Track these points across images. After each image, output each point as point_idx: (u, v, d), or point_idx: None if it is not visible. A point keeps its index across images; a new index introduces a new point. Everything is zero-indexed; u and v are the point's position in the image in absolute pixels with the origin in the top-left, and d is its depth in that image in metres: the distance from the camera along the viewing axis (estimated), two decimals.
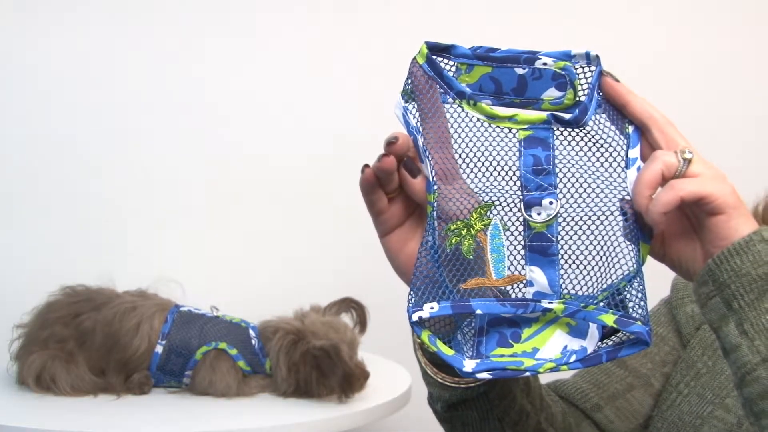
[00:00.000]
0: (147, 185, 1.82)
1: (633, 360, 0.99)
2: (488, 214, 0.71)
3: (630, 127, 0.71)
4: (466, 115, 0.71)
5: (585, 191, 0.70)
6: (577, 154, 0.71)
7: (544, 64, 0.70)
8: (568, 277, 0.71)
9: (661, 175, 0.67)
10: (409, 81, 0.71)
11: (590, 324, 0.70)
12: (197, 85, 1.83)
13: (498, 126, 0.71)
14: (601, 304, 0.69)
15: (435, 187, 0.70)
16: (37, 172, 1.76)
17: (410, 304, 0.69)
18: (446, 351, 0.69)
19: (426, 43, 0.71)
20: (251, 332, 1.45)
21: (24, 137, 1.76)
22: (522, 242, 0.71)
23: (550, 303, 0.70)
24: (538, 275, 0.71)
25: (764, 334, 0.65)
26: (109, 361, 1.42)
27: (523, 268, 0.71)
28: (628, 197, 0.69)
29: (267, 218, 1.87)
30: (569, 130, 0.71)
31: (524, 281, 0.71)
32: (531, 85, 0.71)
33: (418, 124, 0.71)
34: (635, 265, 0.68)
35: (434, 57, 0.71)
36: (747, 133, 2.06)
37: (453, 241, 0.70)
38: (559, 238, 0.71)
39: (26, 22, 1.75)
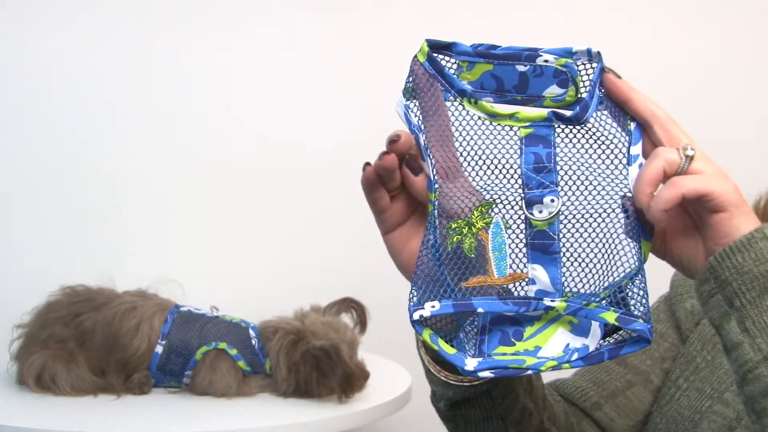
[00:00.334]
0: (147, 185, 1.82)
1: (632, 357, 0.99)
2: (490, 212, 0.71)
3: (632, 123, 0.71)
4: (467, 113, 0.71)
5: (586, 189, 0.70)
6: (578, 152, 0.71)
7: (546, 61, 0.70)
8: (570, 275, 0.70)
9: (662, 172, 0.67)
10: (411, 79, 0.71)
11: (592, 322, 0.70)
12: (197, 86, 1.83)
13: (499, 124, 0.71)
14: (603, 301, 0.69)
15: (436, 186, 0.70)
16: (37, 172, 1.76)
17: (411, 303, 0.68)
18: (448, 350, 0.68)
19: (427, 41, 0.71)
20: (251, 332, 1.45)
21: (24, 137, 1.76)
22: (524, 240, 0.71)
23: (552, 301, 0.70)
24: (540, 273, 0.71)
25: (766, 332, 0.65)
26: (109, 361, 1.42)
27: (525, 266, 0.71)
28: (629, 194, 0.69)
29: (267, 218, 1.87)
30: (570, 127, 0.71)
31: (526, 279, 0.71)
32: (532, 82, 0.71)
33: (420, 122, 0.71)
34: (637, 263, 0.68)
35: (435, 55, 0.71)
36: (748, 129, 2.06)
37: (454, 239, 0.70)
38: (561, 235, 0.70)
39: (27, 23, 1.74)
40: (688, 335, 0.98)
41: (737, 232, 0.67)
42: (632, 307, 0.68)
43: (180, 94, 1.82)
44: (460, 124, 0.71)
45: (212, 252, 1.85)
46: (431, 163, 0.70)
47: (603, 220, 0.70)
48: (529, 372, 0.68)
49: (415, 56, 0.71)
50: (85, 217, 1.78)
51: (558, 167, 0.70)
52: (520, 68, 0.70)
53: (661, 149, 0.68)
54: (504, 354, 0.69)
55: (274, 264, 1.87)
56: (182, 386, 1.44)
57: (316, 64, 1.88)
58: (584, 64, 0.71)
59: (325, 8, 1.88)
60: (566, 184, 0.70)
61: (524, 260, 0.71)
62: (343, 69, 1.89)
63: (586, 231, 0.70)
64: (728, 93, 2.06)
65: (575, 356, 0.68)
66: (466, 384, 0.78)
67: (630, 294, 0.68)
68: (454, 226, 0.70)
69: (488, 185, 0.71)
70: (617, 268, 0.69)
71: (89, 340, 1.42)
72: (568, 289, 0.70)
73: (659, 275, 0.85)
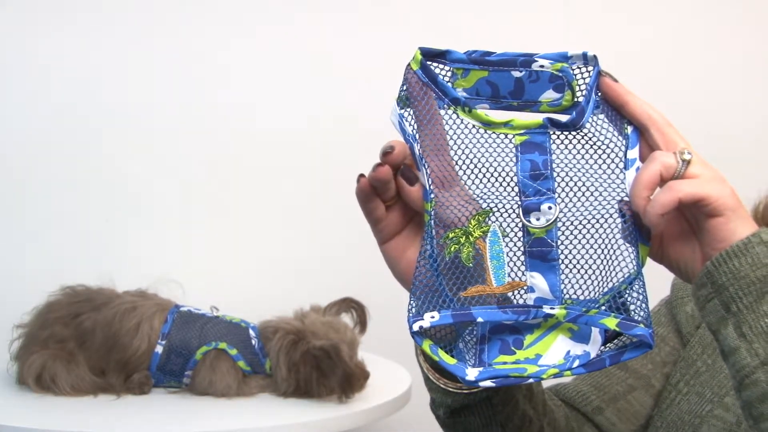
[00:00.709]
0: (147, 185, 1.82)
1: (633, 361, 0.98)
2: (487, 220, 0.70)
3: (629, 127, 0.71)
4: (461, 122, 0.70)
5: (583, 194, 0.70)
6: (574, 157, 0.70)
7: (541, 66, 0.70)
8: (569, 282, 0.70)
9: (659, 175, 0.66)
10: (404, 87, 0.70)
11: (592, 328, 0.69)
12: (198, 86, 1.83)
13: (494, 132, 0.70)
14: (603, 307, 0.68)
15: (432, 196, 0.70)
16: (37, 172, 1.76)
17: (410, 314, 0.68)
18: (448, 360, 0.68)
19: (420, 48, 0.70)
20: (251, 332, 1.45)
21: (24, 137, 1.76)
22: (522, 248, 0.70)
23: (551, 309, 0.69)
24: (539, 281, 0.70)
25: (763, 337, 0.65)
26: (109, 361, 1.42)
27: (523, 274, 0.70)
28: (626, 199, 0.69)
29: (267, 218, 1.87)
30: (566, 133, 0.70)
31: (525, 287, 0.70)
32: (528, 88, 0.71)
33: (415, 131, 0.70)
34: (635, 268, 0.68)
35: (429, 63, 0.70)
36: (748, 131, 2.05)
37: (452, 249, 0.69)
38: (559, 242, 0.70)
39: (27, 23, 1.74)
40: (689, 339, 0.98)
41: (734, 237, 0.66)
42: (632, 312, 0.67)
43: (180, 94, 1.82)
44: (455, 133, 0.70)
45: (212, 252, 1.85)
46: (427, 172, 0.70)
47: (601, 226, 0.70)
48: (531, 380, 0.67)
49: (409, 64, 0.70)
50: (85, 217, 1.78)
51: (555, 174, 0.70)
52: (516, 74, 0.70)
53: (658, 153, 0.68)
54: (505, 363, 0.68)
55: (274, 264, 1.87)
56: (182, 386, 1.44)
57: (316, 65, 1.88)
58: (580, 68, 0.70)
59: (326, 8, 1.88)
60: (563, 190, 0.70)
61: (522, 268, 0.70)
62: (344, 69, 1.89)
63: (584, 237, 0.70)
64: (728, 94, 2.06)
65: (576, 363, 0.68)
66: (465, 391, 0.78)
67: (630, 299, 0.68)
68: (451, 235, 0.70)
69: (484, 194, 0.71)
70: (616, 273, 0.69)
71: (89, 340, 1.42)
72: (567, 296, 0.70)
73: (660, 279, 0.85)
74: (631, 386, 0.97)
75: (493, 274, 0.70)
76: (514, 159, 0.70)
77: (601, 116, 0.71)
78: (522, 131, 0.70)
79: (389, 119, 0.71)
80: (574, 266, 0.70)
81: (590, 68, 0.70)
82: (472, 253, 0.69)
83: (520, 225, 0.70)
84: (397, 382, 1.53)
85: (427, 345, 0.68)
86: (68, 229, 1.77)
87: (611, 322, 0.67)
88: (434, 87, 0.70)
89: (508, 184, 0.70)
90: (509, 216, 0.71)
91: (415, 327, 0.67)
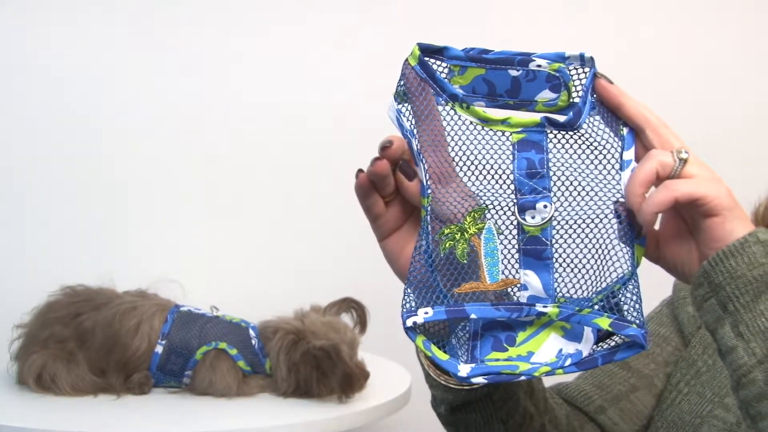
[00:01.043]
0: (147, 185, 1.82)
1: (636, 361, 0.98)
2: (482, 217, 0.70)
3: (624, 129, 0.71)
4: (459, 118, 0.70)
5: (579, 194, 0.70)
6: (570, 157, 0.70)
7: (539, 65, 0.70)
8: (563, 281, 0.70)
9: (655, 174, 0.67)
10: (402, 83, 0.70)
11: (585, 327, 0.69)
12: (197, 86, 1.83)
13: (491, 129, 0.70)
14: (596, 307, 0.68)
15: (429, 191, 0.69)
16: (37, 172, 1.76)
17: (404, 310, 0.68)
18: (441, 356, 0.68)
19: (418, 44, 0.70)
20: (251, 332, 1.45)
21: (24, 138, 1.76)
22: (516, 246, 0.70)
23: (544, 307, 0.69)
24: (532, 279, 0.70)
25: (760, 336, 0.65)
26: (109, 361, 1.42)
27: (517, 272, 0.70)
28: (622, 199, 0.69)
29: (267, 218, 1.87)
30: (563, 132, 0.70)
31: (518, 285, 0.70)
32: (525, 87, 0.71)
33: (413, 127, 0.70)
34: (630, 268, 0.68)
35: (426, 59, 0.70)
36: (748, 131, 2.06)
37: (447, 245, 0.69)
38: (554, 241, 0.70)
39: (27, 23, 1.74)
40: (691, 339, 0.98)
41: (730, 237, 0.66)
42: (626, 313, 0.67)
43: (180, 95, 1.82)
44: (452, 129, 0.70)
45: (212, 252, 1.85)
46: (424, 167, 0.70)
47: (596, 226, 0.70)
48: (522, 378, 0.67)
49: (407, 60, 0.70)
50: (85, 217, 1.78)
51: (551, 173, 0.70)
52: (513, 73, 0.70)
53: (655, 151, 0.68)
54: (497, 360, 0.69)
55: (274, 264, 1.87)
56: (182, 386, 1.44)
57: (315, 65, 1.88)
58: (576, 69, 0.70)
59: (325, 8, 1.88)
60: (559, 189, 0.70)
61: (516, 266, 0.70)
62: (342, 69, 1.89)
63: (578, 236, 0.70)
64: (728, 94, 2.06)
65: (569, 362, 0.68)
66: (466, 388, 0.78)
67: (623, 299, 0.68)
68: (446, 231, 0.70)
69: (480, 190, 0.71)
70: (610, 273, 0.69)
71: (89, 340, 1.42)
72: (560, 295, 0.70)
73: (661, 278, 0.85)
74: (634, 386, 0.97)
75: (487, 272, 0.70)
76: (510, 157, 0.70)
77: (597, 118, 0.71)
78: (519, 129, 0.70)
79: (386, 114, 0.71)
80: (568, 265, 0.70)
81: (586, 69, 0.70)
82: (466, 250, 0.69)
83: (515, 223, 0.70)
84: (397, 382, 1.53)
85: (420, 341, 0.68)
86: (68, 229, 1.78)
87: (604, 322, 0.67)
88: (432, 83, 0.70)
89: (504, 182, 0.70)
90: (504, 213, 0.71)
91: (409, 323, 0.68)
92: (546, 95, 0.71)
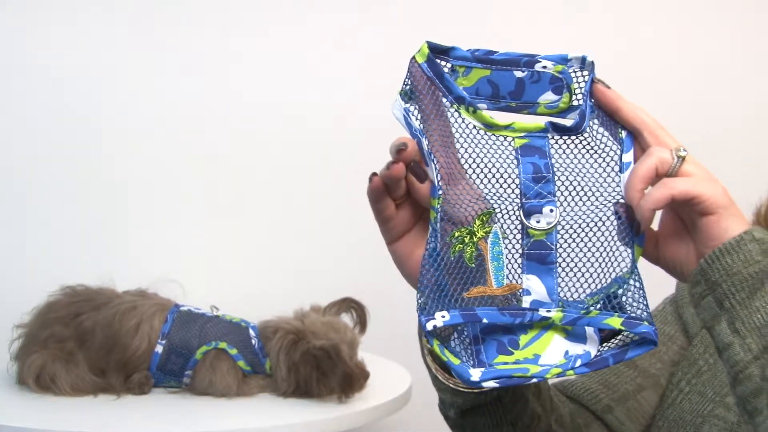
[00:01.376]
0: (147, 185, 1.82)
1: (642, 360, 0.98)
2: (490, 221, 0.70)
3: (623, 132, 0.71)
4: (463, 121, 0.70)
5: (581, 199, 0.70)
6: (572, 161, 0.70)
7: (544, 67, 0.70)
8: (566, 284, 0.70)
9: (655, 169, 0.68)
10: (408, 81, 0.70)
11: (586, 328, 0.69)
12: (197, 86, 1.83)
13: (494, 134, 0.70)
14: (592, 308, 0.68)
15: (440, 192, 0.68)
16: (37, 172, 1.76)
17: (422, 313, 0.67)
18: (454, 360, 0.67)
19: (427, 42, 0.70)
20: (251, 332, 1.45)
21: (24, 138, 1.76)
22: (519, 250, 0.70)
23: (548, 311, 0.69)
24: (535, 284, 0.70)
25: (756, 333, 0.66)
26: (109, 361, 1.42)
27: (519, 277, 0.70)
28: (622, 200, 0.69)
29: (267, 218, 1.87)
30: (565, 137, 0.70)
31: (521, 290, 0.70)
32: (528, 89, 0.71)
33: (421, 126, 0.69)
34: (629, 268, 0.68)
35: (434, 58, 0.70)
36: (748, 132, 2.06)
37: (456, 248, 0.69)
38: (558, 245, 0.70)
39: (27, 23, 1.74)
40: (694, 338, 0.98)
41: (726, 235, 0.67)
42: (630, 311, 0.67)
43: (180, 95, 1.82)
44: (457, 131, 0.70)
45: (212, 252, 1.85)
46: (435, 168, 0.68)
47: (599, 230, 0.70)
48: (534, 380, 0.67)
49: (414, 57, 0.70)
50: (85, 217, 1.78)
51: (555, 177, 0.70)
52: (518, 74, 0.70)
53: (654, 148, 0.69)
54: (505, 363, 0.68)
55: (274, 264, 1.87)
56: (182, 386, 1.44)
57: (315, 64, 1.88)
58: (576, 72, 0.71)
59: (326, 8, 1.88)
60: (562, 194, 0.70)
61: (519, 271, 0.70)
62: (343, 69, 1.89)
63: (582, 241, 0.70)
64: (728, 94, 2.06)
65: (579, 363, 0.68)
66: (476, 391, 0.77)
67: (625, 299, 0.68)
68: (456, 234, 0.69)
69: (485, 194, 0.71)
70: (611, 275, 0.69)
71: (89, 340, 1.42)
72: (563, 298, 0.70)
73: (661, 278, 0.85)
74: (641, 385, 0.97)
75: (494, 276, 0.69)
76: (515, 161, 0.70)
77: (596, 121, 0.71)
78: (522, 134, 0.70)
79: (391, 112, 0.70)
80: (571, 269, 0.70)
81: (585, 73, 0.70)
82: (474, 254, 0.69)
83: (519, 227, 0.70)
84: (397, 382, 1.53)
85: (436, 345, 0.67)
86: (68, 229, 1.77)
87: (615, 322, 0.67)
88: (439, 83, 0.70)
89: (509, 186, 0.70)
90: (509, 218, 0.70)
91: (429, 326, 0.66)
92: (548, 97, 0.71)
